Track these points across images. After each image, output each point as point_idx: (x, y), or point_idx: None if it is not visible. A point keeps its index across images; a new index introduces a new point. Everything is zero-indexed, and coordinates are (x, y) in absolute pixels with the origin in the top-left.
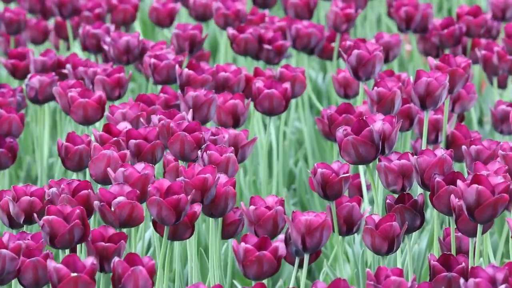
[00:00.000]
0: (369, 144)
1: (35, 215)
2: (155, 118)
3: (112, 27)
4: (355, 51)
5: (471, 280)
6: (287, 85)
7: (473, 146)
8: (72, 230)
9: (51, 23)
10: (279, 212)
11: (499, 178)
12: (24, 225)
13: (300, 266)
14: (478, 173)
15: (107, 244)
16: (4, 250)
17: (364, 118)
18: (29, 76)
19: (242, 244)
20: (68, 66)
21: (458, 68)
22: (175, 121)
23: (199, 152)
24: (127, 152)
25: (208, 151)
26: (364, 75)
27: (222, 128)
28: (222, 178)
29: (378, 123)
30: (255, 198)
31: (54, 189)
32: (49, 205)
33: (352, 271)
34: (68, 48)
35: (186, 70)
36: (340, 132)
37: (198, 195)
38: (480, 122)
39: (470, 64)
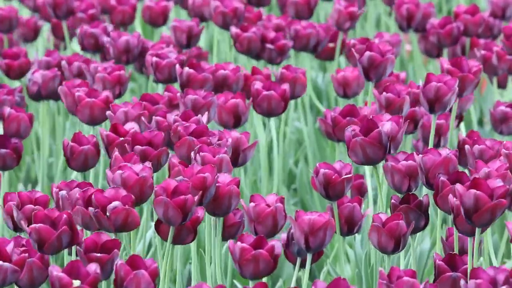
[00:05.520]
0: (377, 145)
1: (22, 222)
2: (170, 118)
3: (110, 27)
4: (367, 53)
5: (472, 282)
6: (286, 86)
7: (476, 146)
8: (60, 237)
9: (42, 22)
10: (279, 209)
11: (497, 181)
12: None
13: (302, 266)
14: (476, 177)
15: (100, 255)
16: (6, 264)
17: (371, 117)
18: (31, 71)
19: (238, 243)
20: (63, 62)
21: (468, 74)
22: (192, 123)
23: (192, 154)
24: (149, 164)
25: (201, 153)
26: (375, 76)
27: (224, 131)
28: (226, 177)
29: (387, 124)
30: (256, 196)
31: (64, 192)
32: (35, 211)
33: (353, 271)
34: (65, 48)
35: (186, 69)
36: (348, 132)
37: (195, 194)
38: (480, 122)
39: (481, 69)
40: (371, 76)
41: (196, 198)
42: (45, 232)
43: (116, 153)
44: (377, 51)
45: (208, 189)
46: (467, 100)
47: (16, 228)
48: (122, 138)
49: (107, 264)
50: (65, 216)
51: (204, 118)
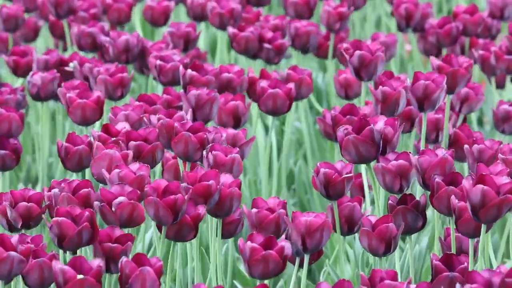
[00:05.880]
0: (369, 143)
1: (43, 216)
2: (154, 118)
3: (107, 26)
4: (358, 52)
5: (468, 286)
6: (291, 85)
7: (475, 146)
8: (80, 233)
9: (42, 22)
10: (281, 215)
11: (504, 178)
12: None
13: (301, 266)
14: (483, 173)
15: (114, 244)
16: (12, 253)
17: (364, 117)
18: (31, 73)
19: (248, 243)
20: (75, 62)
21: (460, 69)
22: (175, 121)
23: (204, 152)
24: (130, 152)
25: (213, 152)
26: (366, 75)
27: (220, 128)
28: (228, 178)
29: (380, 122)
30: (257, 200)
31: (56, 190)
32: (57, 207)
33: (353, 271)
34: (65, 48)
35: (189, 71)
36: (341, 131)
37: (201, 201)
38: (480, 122)
39: (472, 64)
40: (362, 76)
41: (186, 196)
42: (67, 227)
43: (97, 142)
44: (366, 50)
45: (212, 196)
46: (477, 101)
47: (11, 228)
48: (113, 138)
49: (121, 256)
50: (87, 213)
51: (188, 116)
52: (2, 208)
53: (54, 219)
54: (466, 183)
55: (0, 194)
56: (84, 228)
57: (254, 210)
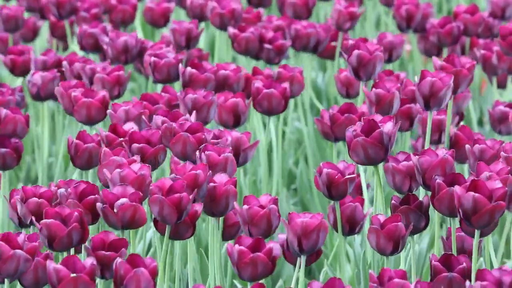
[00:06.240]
0: (378, 146)
1: (33, 218)
2: (158, 119)
3: (109, 26)
4: (356, 51)
5: (478, 283)
6: (286, 84)
7: (476, 145)
8: (70, 234)
9: (41, 22)
10: (272, 211)
11: (497, 182)
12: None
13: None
14: (475, 179)
15: (108, 252)
16: (19, 251)
17: (365, 118)
18: (31, 72)
19: (236, 246)
20: (65, 63)
21: (462, 69)
22: (178, 122)
23: (197, 153)
24: (138, 158)
25: (206, 152)
26: (364, 75)
27: (225, 130)
28: (223, 177)
29: (388, 124)
30: (249, 197)
31: (62, 190)
32: (47, 208)
33: (353, 271)
34: (66, 48)
35: (189, 69)
36: (349, 132)
37: (190, 192)
38: (480, 122)
39: (474, 65)
40: (361, 75)
41: (191, 196)
42: (56, 228)
43: (104, 148)
44: (365, 49)
45: (200, 186)
46: (464, 98)
47: (21, 224)
48: (121, 138)
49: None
50: (76, 213)
51: (192, 118)
52: (14, 203)
53: (43, 221)
54: (458, 189)
55: (13, 190)
56: (74, 229)
57: (245, 206)
